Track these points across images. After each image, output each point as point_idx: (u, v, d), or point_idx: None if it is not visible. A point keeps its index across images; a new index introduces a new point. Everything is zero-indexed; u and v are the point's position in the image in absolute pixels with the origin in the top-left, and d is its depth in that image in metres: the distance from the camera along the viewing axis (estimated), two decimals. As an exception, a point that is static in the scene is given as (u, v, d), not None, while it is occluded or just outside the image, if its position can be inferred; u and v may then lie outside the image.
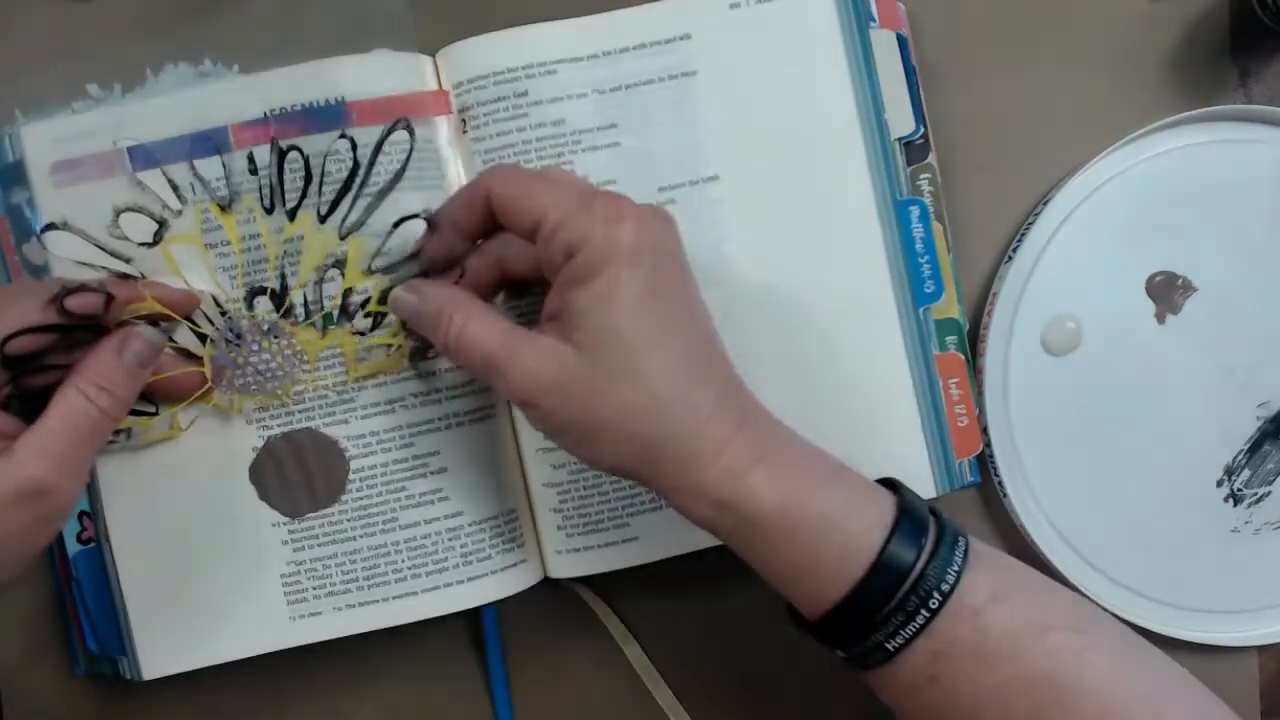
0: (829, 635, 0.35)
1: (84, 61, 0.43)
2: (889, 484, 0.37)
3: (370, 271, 0.41)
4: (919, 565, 0.33)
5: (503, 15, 0.43)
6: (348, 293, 0.41)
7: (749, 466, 0.34)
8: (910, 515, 0.34)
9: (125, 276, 0.41)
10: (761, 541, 0.34)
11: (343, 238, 0.41)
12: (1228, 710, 0.34)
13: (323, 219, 0.41)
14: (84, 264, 0.41)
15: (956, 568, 0.33)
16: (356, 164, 0.41)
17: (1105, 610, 0.37)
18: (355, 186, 0.41)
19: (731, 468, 0.34)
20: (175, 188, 0.41)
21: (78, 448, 0.36)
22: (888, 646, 0.34)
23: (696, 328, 0.36)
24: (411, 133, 0.41)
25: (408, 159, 0.41)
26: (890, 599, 0.33)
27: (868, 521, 0.34)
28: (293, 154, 0.41)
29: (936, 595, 0.33)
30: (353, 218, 0.41)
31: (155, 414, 0.41)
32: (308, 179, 0.41)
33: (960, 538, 0.35)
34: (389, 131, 0.41)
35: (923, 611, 0.33)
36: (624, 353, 0.34)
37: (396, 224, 0.41)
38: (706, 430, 0.34)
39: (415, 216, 0.41)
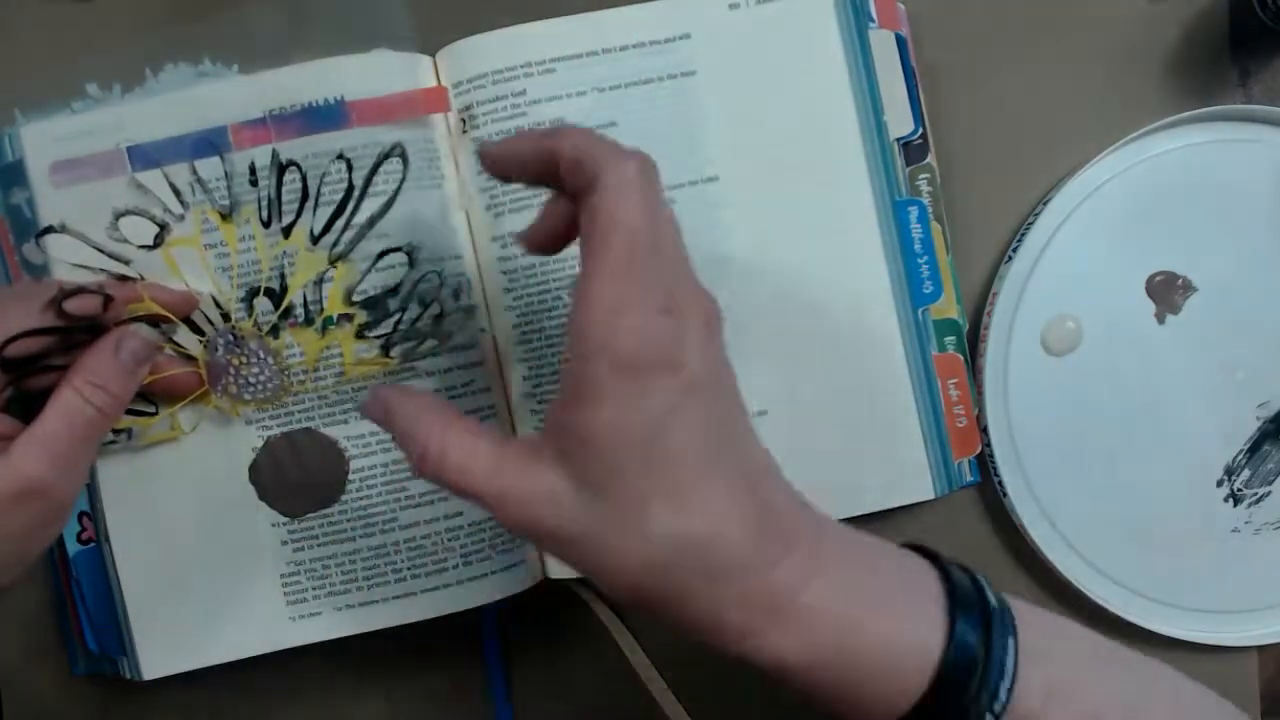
0: None
1: (84, 61, 0.43)
2: (931, 555, 0.33)
3: (351, 302, 0.41)
4: (972, 688, 0.29)
5: (502, 15, 0.43)
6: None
7: (772, 620, 0.29)
8: (963, 639, 0.30)
9: (124, 278, 0.41)
10: (789, 684, 0.30)
11: (332, 262, 0.41)
12: None
13: (315, 240, 0.41)
14: (83, 265, 0.41)
15: (1009, 680, 0.30)
16: (351, 186, 0.41)
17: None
18: (348, 212, 0.41)
19: (750, 625, 0.30)
20: (176, 191, 0.41)
21: (75, 446, 0.36)
22: None
23: (730, 460, 0.30)
24: (405, 161, 0.41)
25: (399, 188, 0.41)
26: None
27: (916, 661, 0.30)
28: (291, 168, 0.41)
29: (990, 716, 0.29)
30: (343, 243, 0.41)
31: (155, 414, 0.41)
32: (304, 196, 0.41)
33: (1010, 639, 0.30)
34: (384, 158, 0.41)
35: None
36: (631, 505, 0.29)
37: (380, 255, 0.41)
38: (727, 588, 0.29)
39: (398, 250, 0.41)
